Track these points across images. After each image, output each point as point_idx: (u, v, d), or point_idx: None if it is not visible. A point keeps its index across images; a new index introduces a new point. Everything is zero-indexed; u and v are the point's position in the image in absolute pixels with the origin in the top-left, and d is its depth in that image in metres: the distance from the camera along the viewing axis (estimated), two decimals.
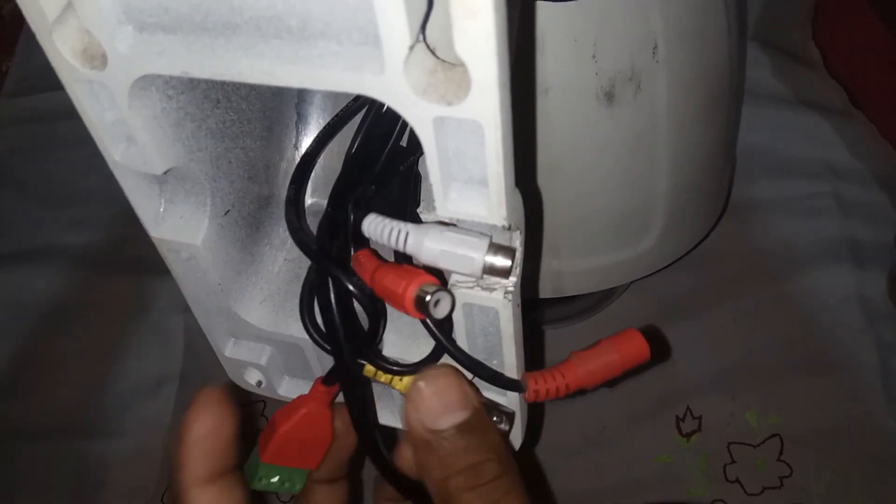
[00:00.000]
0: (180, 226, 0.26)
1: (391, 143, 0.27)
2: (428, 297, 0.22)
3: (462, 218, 0.22)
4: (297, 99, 0.31)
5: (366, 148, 0.26)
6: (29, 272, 0.58)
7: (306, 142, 0.29)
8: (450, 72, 0.18)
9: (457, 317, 0.24)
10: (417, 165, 0.27)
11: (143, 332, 0.55)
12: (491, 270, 0.22)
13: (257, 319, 0.29)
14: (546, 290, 0.39)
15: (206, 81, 0.24)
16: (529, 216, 0.23)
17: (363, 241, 0.25)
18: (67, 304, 0.57)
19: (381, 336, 0.27)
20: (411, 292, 0.22)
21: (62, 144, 0.64)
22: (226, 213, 0.26)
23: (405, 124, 0.26)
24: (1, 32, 0.71)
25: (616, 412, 0.47)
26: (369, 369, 0.26)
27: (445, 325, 0.24)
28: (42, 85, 0.67)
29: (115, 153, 0.23)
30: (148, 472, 0.49)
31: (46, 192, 0.62)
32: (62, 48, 0.20)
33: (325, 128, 0.27)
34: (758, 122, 0.54)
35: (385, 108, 0.26)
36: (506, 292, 0.23)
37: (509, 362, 0.25)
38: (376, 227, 0.24)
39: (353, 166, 0.26)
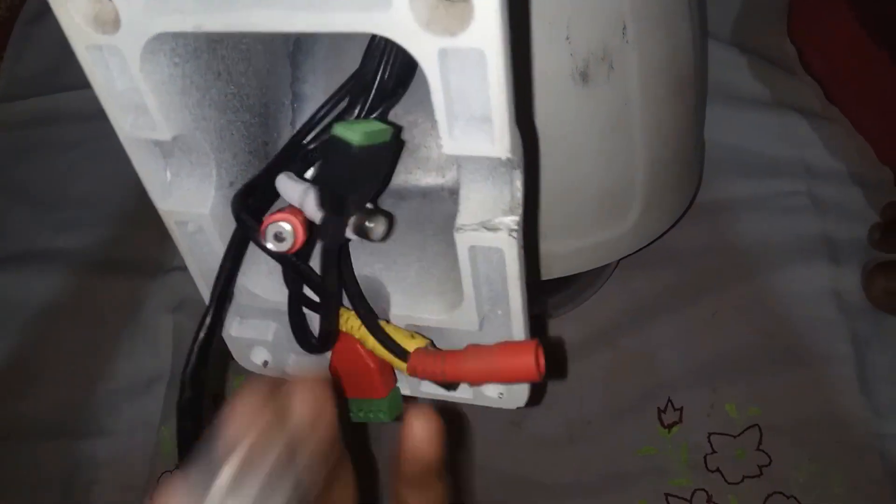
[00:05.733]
0: (187, 197, 0.26)
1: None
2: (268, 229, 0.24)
3: (467, 154, 0.22)
4: (292, 78, 0.31)
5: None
6: (20, 274, 0.59)
7: (302, 120, 0.29)
8: (451, 7, 0.19)
9: (462, 264, 0.24)
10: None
11: (133, 332, 0.55)
12: (360, 232, 0.24)
13: (263, 291, 0.29)
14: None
15: (209, 52, 0.25)
16: (528, 161, 0.23)
17: None
18: (58, 306, 0.57)
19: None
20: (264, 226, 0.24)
21: (52, 148, 0.65)
22: (230, 185, 0.27)
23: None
24: None
25: (599, 405, 0.48)
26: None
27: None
28: (31, 90, 0.68)
29: (125, 122, 0.24)
30: (138, 471, 0.50)
31: (37, 195, 0.63)
32: (75, 14, 0.21)
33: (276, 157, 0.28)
34: (735, 123, 0.55)
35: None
36: (510, 231, 0.23)
37: (515, 308, 0.25)
38: (282, 185, 0.26)
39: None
